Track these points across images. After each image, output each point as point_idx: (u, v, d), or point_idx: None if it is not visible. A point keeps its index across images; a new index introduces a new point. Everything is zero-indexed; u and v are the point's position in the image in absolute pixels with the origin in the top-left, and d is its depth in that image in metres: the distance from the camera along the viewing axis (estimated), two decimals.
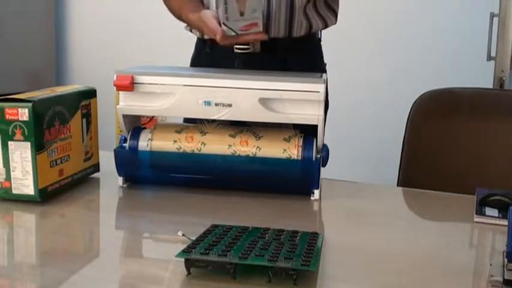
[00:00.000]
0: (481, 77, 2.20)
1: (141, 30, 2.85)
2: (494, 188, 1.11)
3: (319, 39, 1.46)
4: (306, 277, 0.74)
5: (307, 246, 0.80)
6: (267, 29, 1.33)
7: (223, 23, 1.16)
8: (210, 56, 1.39)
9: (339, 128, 2.20)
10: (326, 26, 1.42)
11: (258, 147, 1.08)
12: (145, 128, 1.16)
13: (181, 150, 1.10)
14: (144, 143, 1.11)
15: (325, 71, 1.44)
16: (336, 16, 1.44)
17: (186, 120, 1.30)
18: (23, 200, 1.01)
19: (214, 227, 0.87)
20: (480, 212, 1.03)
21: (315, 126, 1.07)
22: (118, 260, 0.86)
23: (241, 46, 1.34)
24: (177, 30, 1.50)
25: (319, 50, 1.47)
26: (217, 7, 1.30)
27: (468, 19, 2.47)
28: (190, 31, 1.43)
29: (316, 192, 1.09)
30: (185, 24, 1.41)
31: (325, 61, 1.47)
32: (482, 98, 1.54)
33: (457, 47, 2.49)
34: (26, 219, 1.01)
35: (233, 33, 1.16)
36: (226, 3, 1.14)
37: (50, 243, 0.87)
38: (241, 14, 1.15)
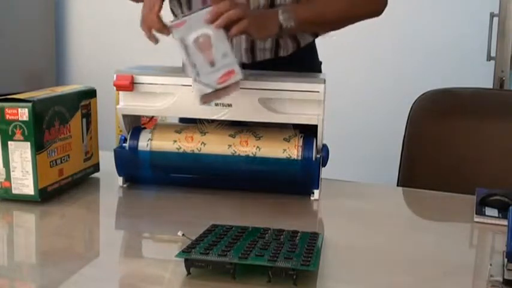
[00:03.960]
0: (481, 77, 2.20)
1: (141, 30, 2.85)
2: (494, 188, 1.11)
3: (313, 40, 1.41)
4: (306, 277, 0.74)
5: (307, 246, 0.80)
6: (252, 56, 1.28)
7: (196, 81, 0.97)
8: None
9: (338, 128, 2.20)
10: (317, 35, 1.37)
11: (258, 147, 1.08)
12: (145, 128, 1.16)
13: (181, 150, 1.10)
14: (144, 143, 1.11)
15: (320, 70, 1.41)
16: None
17: (182, 120, 1.29)
18: (23, 200, 1.01)
19: (214, 227, 0.87)
20: (480, 212, 1.03)
21: (315, 126, 1.07)
22: (118, 260, 0.86)
23: None
24: None
25: (312, 51, 1.41)
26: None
27: (468, 19, 2.46)
28: None
29: (316, 192, 1.09)
30: None
31: (325, 61, 1.45)
32: (482, 98, 1.54)
33: (457, 47, 2.49)
34: (26, 219, 1.01)
35: (210, 90, 0.96)
36: (188, 54, 0.97)
37: (50, 243, 0.87)
38: (212, 64, 0.98)
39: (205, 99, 0.98)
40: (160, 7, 1.07)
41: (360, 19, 1.27)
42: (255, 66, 1.30)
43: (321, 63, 1.44)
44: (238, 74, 0.97)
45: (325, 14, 1.21)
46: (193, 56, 0.96)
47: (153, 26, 1.07)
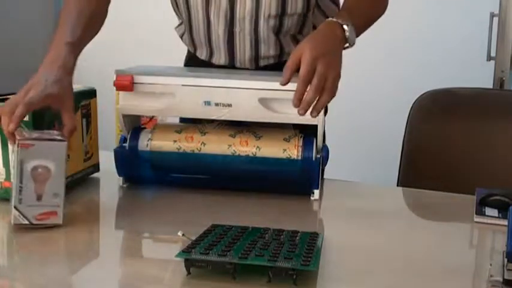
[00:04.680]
0: (481, 77, 2.20)
1: (141, 31, 2.85)
2: (494, 188, 1.11)
3: None
4: (306, 277, 0.74)
5: (307, 246, 0.80)
6: (256, 63, 1.24)
7: (15, 207, 0.89)
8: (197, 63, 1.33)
9: (338, 128, 2.20)
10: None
11: (257, 147, 1.08)
12: (145, 128, 1.16)
13: (181, 150, 1.10)
14: (144, 143, 1.11)
15: None
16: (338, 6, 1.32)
17: (182, 119, 1.29)
18: None
19: (214, 227, 0.87)
20: (480, 212, 1.02)
21: (315, 126, 1.07)
22: (118, 260, 0.86)
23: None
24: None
25: None
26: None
27: (468, 19, 2.46)
28: (181, 38, 1.39)
29: (316, 192, 1.09)
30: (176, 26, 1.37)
31: None
32: (482, 98, 1.54)
33: (457, 47, 2.49)
34: None
35: (25, 222, 0.89)
36: (21, 181, 0.89)
37: (50, 243, 0.87)
38: (39, 198, 0.90)
39: (18, 227, 0.90)
40: (23, 115, 0.95)
41: (376, 21, 1.25)
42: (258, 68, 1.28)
43: None
44: (59, 218, 0.91)
45: (362, 19, 1.18)
46: (24, 183, 0.89)
47: (4, 127, 0.95)
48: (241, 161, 1.08)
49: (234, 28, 1.22)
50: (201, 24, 1.24)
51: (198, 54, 1.32)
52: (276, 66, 1.25)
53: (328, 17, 1.14)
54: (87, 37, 1.12)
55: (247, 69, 1.26)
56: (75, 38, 1.07)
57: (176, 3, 1.28)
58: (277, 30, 1.22)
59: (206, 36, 1.25)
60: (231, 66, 1.26)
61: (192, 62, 1.35)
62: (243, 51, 1.24)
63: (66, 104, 1.00)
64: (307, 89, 1.02)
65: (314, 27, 1.24)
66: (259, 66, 1.26)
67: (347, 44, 1.11)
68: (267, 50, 1.24)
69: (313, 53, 1.02)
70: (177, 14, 1.34)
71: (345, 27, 1.08)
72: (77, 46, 1.08)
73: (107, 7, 1.23)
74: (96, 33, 1.16)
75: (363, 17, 1.19)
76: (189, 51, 1.38)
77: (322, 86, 1.02)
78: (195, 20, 1.25)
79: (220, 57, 1.27)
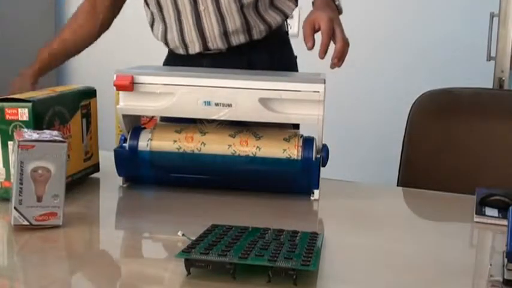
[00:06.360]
0: (481, 77, 2.20)
1: (141, 31, 2.85)
2: (494, 188, 1.11)
3: (286, 33, 1.47)
4: (306, 277, 0.74)
5: (307, 246, 0.80)
6: (227, 40, 1.35)
7: (15, 208, 0.89)
8: (179, 58, 1.42)
9: (339, 128, 2.20)
10: (286, 16, 1.42)
11: (258, 147, 1.08)
12: (145, 128, 1.16)
13: (181, 150, 1.10)
14: (144, 143, 1.11)
15: (295, 65, 1.47)
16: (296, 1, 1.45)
17: (177, 119, 1.29)
18: None
19: (214, 227, 0.87)
20: (480, 212, 1.03)
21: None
22: (118, 260, 0.86)
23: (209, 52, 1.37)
24: None
25: (287, 43, 1.48)
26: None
27: (468, 19, 2.46)
28: (166, 44, 1.44)
29: (316, 192, 1.09)
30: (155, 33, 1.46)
31: (325, 60, 1.45)
32: (482, 98, 1.54)
33: (457, 47, 2.49)
34: None
35: (25, 223, 0.89)
36: (21, 183, 0.89)
37: (50, 243, 0.87)
38: (39, 199, 0.90)
39: (18, 228, 0.90)
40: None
41: None
42: (232, 52, 1.36)
43: (296, 57, 1.49)
44: (59, 219, 0.91)
45: None
46: (24, 184, 0.89)
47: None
48: (241, 161, 1.08)
49: (199, 7, 1.33)
50: (171, 13, 1.36)
51: (176, 51, 1.41)
52: (247, 47, 1.37)
53: None
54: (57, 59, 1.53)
55: (221, 51, 1.36)
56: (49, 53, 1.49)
57: (147, 4, 1.41)
58: (239, 1, 1.33)
59: (177, 24, 1.36)
60: (204, 49, 1.36)
61: (171, 62, 1.45)
62: (211, 28, 1.34)
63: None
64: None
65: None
66: (231, 46, 1.36)
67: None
68: (233, 23, 1.33)
69: (329, 15, 1.20)
70: (148, 14, 1.45)
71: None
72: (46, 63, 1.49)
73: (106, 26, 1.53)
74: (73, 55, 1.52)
75: None
76: (167, 54, 1.47)
77: (343, 37, 1.19)
78: (166, 13, 1.37)
79: (194, 44, 1.36)
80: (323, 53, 1.17)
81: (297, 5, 1.44)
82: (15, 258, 0.85)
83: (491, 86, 2.20)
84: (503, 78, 2.20)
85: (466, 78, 2.13)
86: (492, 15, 2.23)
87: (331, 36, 1.17)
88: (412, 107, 1.52)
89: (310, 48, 1.17)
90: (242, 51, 1.37)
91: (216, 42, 1.35)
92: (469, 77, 2.17)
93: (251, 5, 1.34)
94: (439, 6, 2.52)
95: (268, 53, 1.40)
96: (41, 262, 0.81)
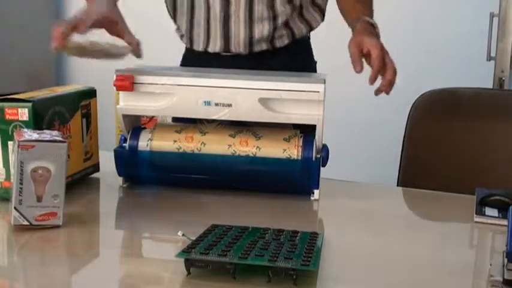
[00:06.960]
0: (481, 77, 2.19)
1: (141, 31, 2.85)
2: (494, 187, 1.11)
3: (308, 38, 1.44)
4: (306, 277, 0.74)
5: (307, 246, 0.80)
6: (250, 47, 1.32)
7: (15, 208, 0.89)
8: (197, 55, 1.39)
9: (338, 128, 2.20)
10: (311, 29, 1.40)
11: (258, 147, 1.08)
12: (145, 128, 1.16)
13: (181, 150, 1.10)
14: (144, 143, 1.11)
15: (315, 70, 1.43)
16: (323, 15, 1.41)
17: (175, 119, 1.28)
18: None
19: (214, 227, 0.87)
20: (480, 212, 1.02)
21: (315, 126, 1.07)
22: (118, 260, 0.86)
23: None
24: None
25: (307, 48, 1.44)
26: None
27: (468, 19, 2.46)
28: (181, 38, 1.42)
29: (316, 192, 1.09)
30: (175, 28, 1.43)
31: (325, 60, 1.45)
32: (482, 98, 1.54)
33: (457, 47, 2.49)
34: None
35: (25, 223, 0.89)
36: (21, 183, 0.89)
37: (50, 243, 0.87)
38: (39, 199, 0.90)
39: (18, 228, 0.90)
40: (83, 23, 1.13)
41: None
42: (253, 57, 1.33)
43: (316, 62, 1.45)
44: (59, 219, 0.91)
45: (371, 8, 1.36)
46: (24, 184, 0.89)
47: (55, 39, 1.10)
48: (241, 161, 1.08)
49: (230, 8, 1.30)
50: (202, 9, 1.32)
51: (195, 47, 1.37)
52: (270, 54, 1.33)
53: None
54: None
55: (241, 55, 1.32)
56: None
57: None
58: (271, 4, 1.30)
59: (205, 20, 1.32)
60: (226, 51, 1.32)
61: (188, 58, 1.42)
62: (238, 32, 1.31)
63: (122, 25, 1.20)
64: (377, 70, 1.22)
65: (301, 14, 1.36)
66: (253, 52, 1.32)
67: None
68: (261, 30, 1.31)
69: (379, 42, 1.23)
70: (171, 13, 1.40)
71: (374, 25, 1.29)
72: None
73: None
74: None
75: (371, 5, 1.37)
76: (185, 51, 1.43)
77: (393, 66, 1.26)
78: (197, 7, 1.33)
79: (216, 43, 1.33)
80: (373, 80, 1.20)
81: (323, 20, 1.41)
82: (15, 258, 0.85)
83: (491, 86, 2.20)
84: (503, 78, 2.19)
85: (466, 78, 2.13)
86: (492, 15, 2.23)
87: (382, 62, 1.21)
88: (412, 107, 1.52)
89: (359, 72, 1.18)
90: (263, 56, 1.34)
91: (238, 48, 1.32)
92: (469, 77, 2.17)
93: (284, 16, 1.32)
94: (439, 7, 2.52)
95: (289, 58, 1.36)
96: (41, 262, 0.81)
